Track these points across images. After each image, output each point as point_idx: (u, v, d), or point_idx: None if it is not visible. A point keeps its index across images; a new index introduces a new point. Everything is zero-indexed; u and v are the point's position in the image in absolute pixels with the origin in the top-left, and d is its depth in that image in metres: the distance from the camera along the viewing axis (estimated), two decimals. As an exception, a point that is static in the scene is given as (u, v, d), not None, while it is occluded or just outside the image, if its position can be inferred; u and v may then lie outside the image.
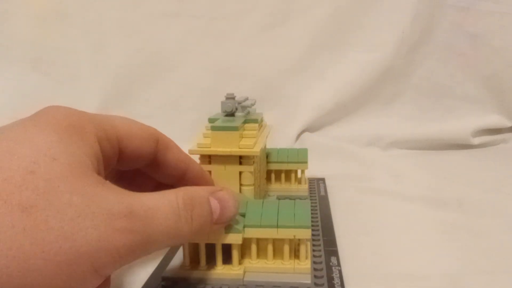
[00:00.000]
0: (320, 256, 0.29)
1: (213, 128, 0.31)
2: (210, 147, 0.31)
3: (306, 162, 0.43)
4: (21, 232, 0.16)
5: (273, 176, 0.43)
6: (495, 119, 0.70)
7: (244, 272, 0.26)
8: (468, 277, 0.28)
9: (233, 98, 0.36)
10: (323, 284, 0.26)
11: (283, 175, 0.43)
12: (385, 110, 0.70)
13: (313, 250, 0.30)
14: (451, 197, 0.43)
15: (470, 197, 0.43)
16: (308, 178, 0.46)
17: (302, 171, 0.44)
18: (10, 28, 0.63)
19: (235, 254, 0.26)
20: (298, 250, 0.27)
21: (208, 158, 0.31)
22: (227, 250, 0.26)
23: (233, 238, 0.25)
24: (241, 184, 0.32)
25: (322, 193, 0.43)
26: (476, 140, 0.68)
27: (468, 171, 0.55)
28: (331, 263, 0.28)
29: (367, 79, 0.69)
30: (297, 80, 0.69)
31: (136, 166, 0.26)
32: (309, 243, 0.29)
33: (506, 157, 0.63)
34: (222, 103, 0.35)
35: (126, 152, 0.24)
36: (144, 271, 0.28)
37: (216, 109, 0.37)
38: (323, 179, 0.48)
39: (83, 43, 0.65)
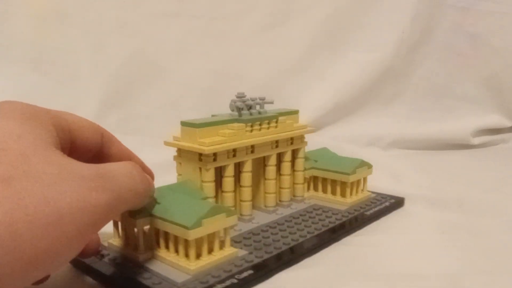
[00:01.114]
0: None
1: (182, 124, 0.33)
2: (179, 141, 0.33)
3: (348, 174, 0.39)
4: (4, 200, 0.17)
5: (320, 184, 0.41)
6: (495, 119, 0.70)
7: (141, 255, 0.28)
8: (468, 277, 0.28)
9: (243, 97, 0.36)
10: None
11: (328, 184, 0.41)
12: (385, 110, 0.70)
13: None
14: (451, 197, 0.43)
15: (470, 197, 0.43)
16: (379, 194, 0.42)
17: (351, 183, 0.39)
18: (10, 28, 0.63)
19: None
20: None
21: (178, 151, 0.34)
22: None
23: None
24: (202, 181, 0.32)
25: (369, 213, 0.38)
26: (476, 140, 0.68)
27: (468, 171, 0.55)
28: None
29: (367, 79, 0.69)
30: (297, 80, 0.69)
31: (84, 158, 0.27)
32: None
33: (506, 157, 0.64)
34: (231, 101, 0.36)
35: (76, 143, 0.25)
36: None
37: (216, 109, 0.37)
38: (401, 200, 0.41)
39: (83, 43, 0.65)
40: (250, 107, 0.36)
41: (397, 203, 0.41)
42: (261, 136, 0.36)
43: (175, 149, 0.34)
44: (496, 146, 0.69)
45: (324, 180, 0.41)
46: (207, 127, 0.32)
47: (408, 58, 0.70)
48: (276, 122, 0.37)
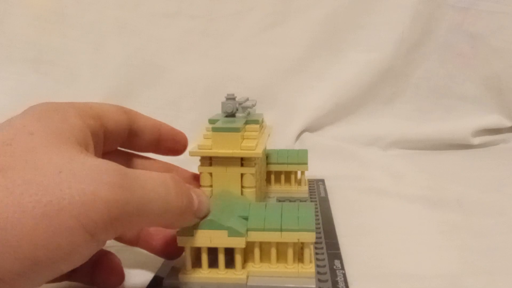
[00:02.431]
0: (323, 260, 0.28)
1: (214, 129, 0.30)
2: (211, 149, 0.30)
3: (306, 163, 0.42)
4: None
5: (272, 177, 0.43)
6: (495, 119, 0.70)
7: (247, 276, 0.26)
8: (468, 277, 0.28)
9: (234, 98, 0.35)
10: None
11: (282, 177, 0.43)
12: (385, 110, 0.70)
13: (316, 253, 0.29)
14: (451, 197, 0.43)
15: (470, 197, 0.43)
16: (308, 179, 0.46)
17: (302, 172, 0.43)
18: (10, 28, 0.63)
19: (238, 258, 0.26)
20: (302, 254, 0.26)
21: (209, 160, 0.31)
22: (229, 254, 0.26)
23: (236, 242, 0.25)
24: (242, 186, 0.31)
25: (322, 194, 0.43)
26: (476, 140, 0.68)
27: (468, 171, 0.55)
28: (334, 267, 0.28)
29: (367, 79, 0.69)
30: (297, 80, 0.69)
31: (118, 142, 0.26)
32: (312, 246, 0.28)
33: (506, 157, 0.63)
34: (223, 103, 0.35)
35: (108, 128, 0.24)
36: (144, 276, 0.28)
37: (216, 109, 0.37)
38: (322, 180, 0.47)
39: (83, 43, 0.65)
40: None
41: (322, 182, 0.47)
42: (263, 135, 0.36)
43: (198, 159, 0.31)
44: (496, 146, 0.69)
45: (277, 173, 0.43)
46: (241, 131, 0.31)
47: (408, 58, 0.70)
48: (262, 121, 0.38)
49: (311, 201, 0.40)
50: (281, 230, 0.25)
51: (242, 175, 0.31)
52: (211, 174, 0.31)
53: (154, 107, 0.65)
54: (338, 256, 0.29)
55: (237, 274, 0.26)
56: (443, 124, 0.68)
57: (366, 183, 0.48)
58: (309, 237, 0.25)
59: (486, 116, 0.70)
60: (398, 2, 0.68)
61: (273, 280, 0.26)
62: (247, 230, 0.26)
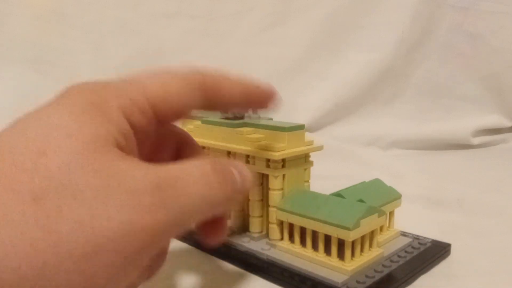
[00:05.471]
0: None
1: (289, 129, 0.30)
2: (285, 150, 0.29)
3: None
4: (34, 225, 0.14)
5: None
6: (495, 119, 0.70)
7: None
8: (468, 277, 0.28)
9: None
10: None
11: None
12: (385, 110, 0.71)
13: None
14: (451, 197, 0.43)
15: (470, 197, 0.43)
16: None
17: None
18: (10, 28, 0.63)
19: (377, 236, 0.29)
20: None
21: (281, 162, 0.30)
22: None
23: (382, 221, 0.28)
24: (305, 180, 0.32)
25: None
26: (476, 140, 0.68)
27: (468, 171, 0.55)
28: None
29: (367, 79, 0.69)
30: (297, 80, 0.69)
31: (184, 116, 0.23)
32: None
33: (506, 157, 0.64)
34: None
35: (165, 114, 0.21)
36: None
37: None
38: None
39: (83, 43, 0.65)
40: None
41: None
42: None
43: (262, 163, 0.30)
44: (496, 146, 0.69)
45: None
46: None
47: (408, 58, 0.70)
48: None
49: None
50: (388, 203, 0.30)
51: (304, 169, 0.32)
52: (284, 176, 0.30)
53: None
54: None
55: (375, 252, 0.28)
56: (443, 124, 0.68)
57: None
58: (399, 203, 0.32)
59: (486, 116, 0.70)
60: (398, 2, 0.68)
61: (389, 245, 0.30)
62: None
